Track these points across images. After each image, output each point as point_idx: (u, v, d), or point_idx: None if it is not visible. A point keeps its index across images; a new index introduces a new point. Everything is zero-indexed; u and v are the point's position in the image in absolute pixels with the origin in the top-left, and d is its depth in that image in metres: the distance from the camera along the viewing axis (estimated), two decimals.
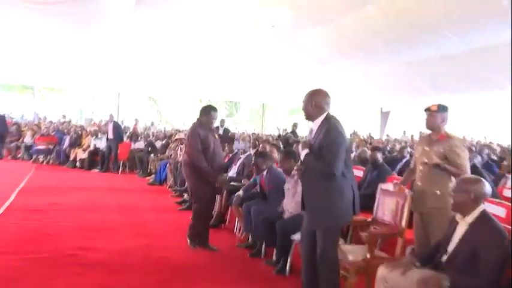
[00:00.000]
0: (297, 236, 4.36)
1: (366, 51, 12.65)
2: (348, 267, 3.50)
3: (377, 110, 18.48)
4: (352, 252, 3.63)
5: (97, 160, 12.74)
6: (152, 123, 21.50)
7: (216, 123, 7.14)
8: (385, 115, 17.59)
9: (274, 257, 4.82)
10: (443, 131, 3.72)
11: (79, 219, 6.40)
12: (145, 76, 18.07)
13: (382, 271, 3.11)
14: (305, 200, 3.50)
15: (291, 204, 4.67)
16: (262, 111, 26.25)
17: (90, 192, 8.86)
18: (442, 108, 3.71)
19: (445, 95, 13.25)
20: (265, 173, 5.38)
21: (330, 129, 3.29)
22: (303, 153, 3.38)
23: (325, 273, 3.35)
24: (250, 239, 5.42)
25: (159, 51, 15.40)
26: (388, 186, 3.93)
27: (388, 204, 3.82)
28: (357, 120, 20.11)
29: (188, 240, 5.25)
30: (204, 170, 4.98)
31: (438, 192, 3.58)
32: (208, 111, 5.15)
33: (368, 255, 3.50)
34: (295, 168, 3.85)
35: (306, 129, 13.08)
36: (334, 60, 14.38)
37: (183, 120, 29.14)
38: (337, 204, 3.27)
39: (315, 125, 3.45)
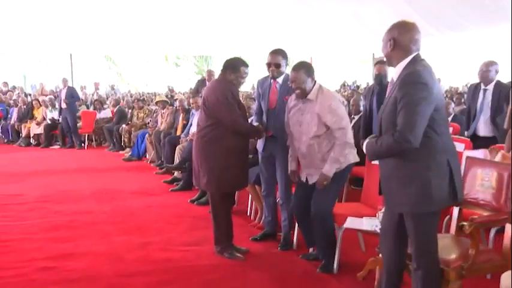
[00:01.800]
0: (352, 223, 3.57)
1: None
2: (446, 269, 2.72)
3: (368, 57, 17.72)
4: (445, 248, 2.86)
5: (56, 135, 11.65)
6: (112, 87, 20.18)
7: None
8: None
9: (311, 250, 4.06)
10: None
11: (47, 215, 5.45)
12: (100, 33, 16.49)
13: (508, 280, 2.33)
14: (383, 175, 2.72)
15: (301, 140, 3.75)
16: None
17: (54, 176, 7.83)
18: None
19: (451, 34, 12.53)
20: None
21: (410, 78, 2.45)
22: (364, 145, 2.68)
23: (424, 279, 2.62)
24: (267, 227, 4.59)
25: (115, 2, 13.95)
26: (478, 153, 3.13)
27: (483, 178, 3.03)
28: (348, 70, 19.32)
29: (217, 248, 4.14)
30: (251, 131, 4.12)
31: None
32: (237, 66, 3.99)
33: (473, 252, 2.73)
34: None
35: None
36: (321, 2, 13.43)
37: (147, 82, 27.85)
38: (431, 182, 2.48)
39: (395, 73, 2.60)
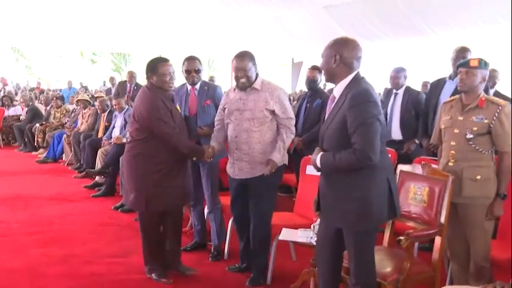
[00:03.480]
0: (286, 234, 3.53)
1: None
2: (383, 283, 2.75)
3: (287, 61, 18.03)
4: (380, 261, 2.90)
5: None
6: (18, 86, 18.73)
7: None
8: (297, 66, 17.14)
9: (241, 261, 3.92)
10: (482, 94, 3.05)
11: None
12: (6, 21, 15.30)
13: None
14: (324, 196, 2.68)
15: (241, 128, 3.56)
16: None
17: None
18: (485, 64, 3.01)
19: (367, 43, 13.05)
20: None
21: (361, 97, 2.43)
22: (317, 158, 2.56)
23: None
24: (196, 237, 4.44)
25: None
26: (413, 167, 3.21)
27: (415, 192, 3.12)
28: (268, 73, 19.52)
29: (146, 267, 3.74)
30: (188, 149, 3.57)
31: (478, 176, 2.97)
32: (155, 66, 3.51)
33: (407, 265, 2.78)
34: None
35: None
36: (242, 5, 13.42)
37: (59, 77, 26.33)
38: (372, 199, 2.49)
39: (337, 90, 2.57)
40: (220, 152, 3.81)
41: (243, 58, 3.53)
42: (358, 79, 2.53)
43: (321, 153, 2.56)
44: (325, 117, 2.65)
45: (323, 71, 2.66)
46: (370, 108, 2.41)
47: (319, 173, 2.70)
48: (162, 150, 3.48)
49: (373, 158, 2.38)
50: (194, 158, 3.70)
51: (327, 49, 2.57)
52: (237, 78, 3.56)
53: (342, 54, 2.51)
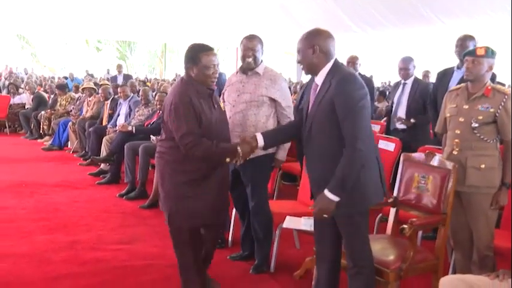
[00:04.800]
0: (290, 222, 3.54)
1: None
2: (386, 271, 2.76)
3: (293, 50, 17.91)
4: (383, 249, 2.91)
5: None
6: (26, 71, 18.75)
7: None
8: None
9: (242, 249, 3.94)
10: (488, 83, 3.03)
11: None
12: (11, 9, 15.26)
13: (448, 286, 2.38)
14: (314, 180, 2.70)
15: (236, 109, 3.53)
16: (163, 52, 24.19)
17: None
18: (492, 53, 2.99)
19: (373, 32, 13.01)
20: None
21: (347, 83, 2.47)
22: (330, 196, 2.47)
23: (361, 277, 2.64)
24: None
25: None
26: (416, 155, 3.20)
27: (419, 181, 3.11)
28: (274, 62, 19.44)
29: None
30: (215, 154, 2.91)
31: (483, 165, 2.96)
32: (195, 56, 2.92)
33: (411, 253, 2.79)
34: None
35: None
36: None
37: (64, 65, 26.36)
38: (362, 180, 2.52)
39: (319, 78, 2.60)
40: None
41: (253, 39, 3.54)
42: (338, 65, 2.59)
43: (325, 190, 2.48)
44: (310, 105, 2.65)
45: (302, 66, 2.64)
46: (356, 93, 2.45)
47: None
48: (187, 158, 2.90)
49: (363, 149, 2.42)
50: (228, 160, 2.92)
51: (302, 42, 2.58)
52: (243, 58, 3.54)
53: (319, 44, 2.54)
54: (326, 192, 2.47)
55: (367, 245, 2.66)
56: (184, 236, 3.04)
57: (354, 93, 2.44)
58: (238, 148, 2.83)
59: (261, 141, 2.82)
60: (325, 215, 2.51)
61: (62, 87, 10.06)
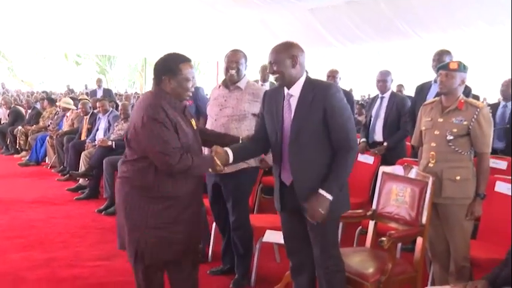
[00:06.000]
0: (270, 236, 3.55)
1: None
2: (365, 284, 2.78)
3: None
4: (362, 262, 2.93)
5: None
6: (3, 86, 18.50)
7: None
8: None
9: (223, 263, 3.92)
10: (461, 96, 3.10)
11: None
12: None
13: None
14: (304, 188, 2.67)
15: (218, 123, 3.50)
16: (143, 66, 24.13)
17: None
18: (464, 68, 3.07)
19: (352, 46, 13.18)
20: None
21: (336, 90, 2.64)
22: (326, 194, 2.55)
23: (332, 281, 2.71)
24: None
25: None
26: (394, 169, 3.25)
27: (397, 194, 3.15)
28: (252, 75, 19.53)
29: None
30: (197, 167, 2.61)
31: (458, 177, 3.02)
32: (174, 67, 2.61)
33: (389, 265, 2.81)
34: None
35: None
36: (227, 7, 13.42)
37: (43, 79, 26.09)
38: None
39: (295, 90, 2.66)
40: None
41: (237, 52, 3.56)
42: (309, 78, 2.70)
43: (321, 190, 2.55)
44: (286, 116, 2.68)
45: (277, 76, 2.64)
46: (343, 103, 2.61)
47: None
48: (166, 179, 2.56)
49: (356, 148, 2.65)
50: (210, 170, 2.69)
51: (281, 53, 2.60)
52: (227, 70, 3.52)
53: (297, 55, 2.61)
54: (322, 192, 2.54)
55: (338, 247, 2.78)
56: (157, 274, 2.72)
57: (343, 99, 2.62)
58: (215, 158, 2.67)
59: (231, 156, 2.73)
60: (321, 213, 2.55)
61: (52, 100, 9.95)
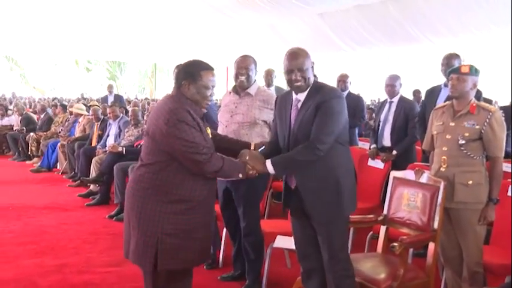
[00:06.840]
0: (281, 242, 3.54)
1: (272, 1, 11.95)
2: None
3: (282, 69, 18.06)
4: (374, 267, 2.91)
5: None
6: (14, 95, 18.59)
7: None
8: None
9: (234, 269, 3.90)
10: (473, 100, 3.08)
11: None
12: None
13: None
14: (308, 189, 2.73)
15: (229, 129, 3.52)
16: (153, 72, 24.28)
17: None
18: (475, 71, 3.05)
19: (361, 50, 13.16)
20: None
21: (331, 92, 2.66)
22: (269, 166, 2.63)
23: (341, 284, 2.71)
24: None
25: None
26: (405, 173, 3.23)
27: (408, 198, 3.13)
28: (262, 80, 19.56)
29: None
30: (229, 169, 2.61)
31: (470, 182, 2.99)
32: (195, 72, 2.57)
33: (401, 271, 2.79)
34: None
35: None
36: (237, 12, 13.48)
37: (54, 86, 26.36)
38: (344, 187, 2.69)
39: (302, 95, 2.70)
40: None
41: (247, 58, 3.55)
42: (317, 82, 2.75)
43: (268, 160, 2.64)
44: (293, 121, 2.71)
45: (301, 85, 2.64)
46: (335, 104, 2.61)
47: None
48: (186, 179, 2.52)
49: (323, 152, 2.56)
50: (240, 175, 2.64)
51: (306, 60, 2.64)
52: (236, 76, 3.52)
53: (312, 63, 2.69)
54: (267, 162, 2.62)
55: (347, 250, 2.80)
56: (179, 279, 2.67)
57: (341, 105, 2.62)
58: (248, 165, 2.64)
59: (271, 169, 2.65)
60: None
61: (64, 106, 10.05)
